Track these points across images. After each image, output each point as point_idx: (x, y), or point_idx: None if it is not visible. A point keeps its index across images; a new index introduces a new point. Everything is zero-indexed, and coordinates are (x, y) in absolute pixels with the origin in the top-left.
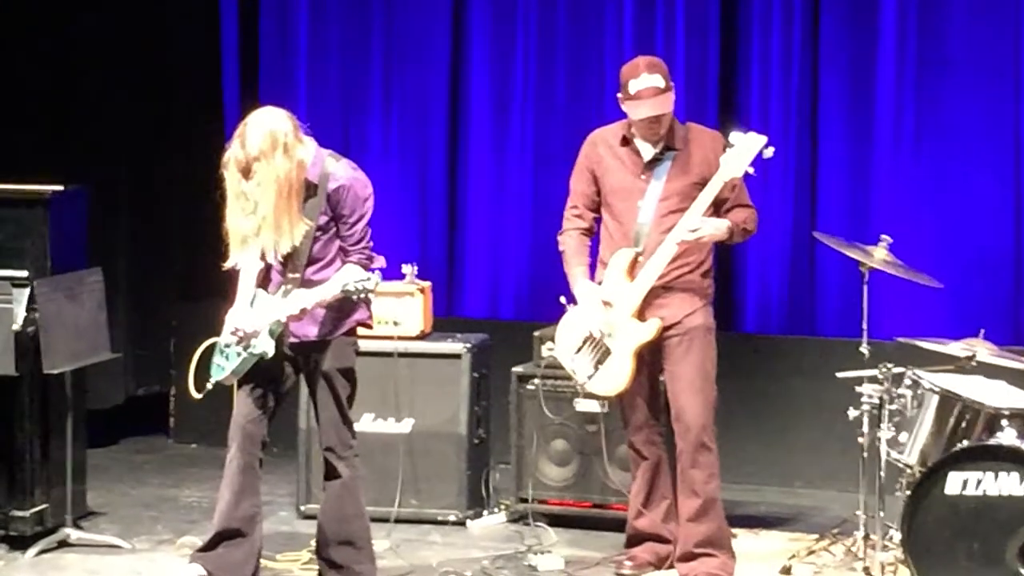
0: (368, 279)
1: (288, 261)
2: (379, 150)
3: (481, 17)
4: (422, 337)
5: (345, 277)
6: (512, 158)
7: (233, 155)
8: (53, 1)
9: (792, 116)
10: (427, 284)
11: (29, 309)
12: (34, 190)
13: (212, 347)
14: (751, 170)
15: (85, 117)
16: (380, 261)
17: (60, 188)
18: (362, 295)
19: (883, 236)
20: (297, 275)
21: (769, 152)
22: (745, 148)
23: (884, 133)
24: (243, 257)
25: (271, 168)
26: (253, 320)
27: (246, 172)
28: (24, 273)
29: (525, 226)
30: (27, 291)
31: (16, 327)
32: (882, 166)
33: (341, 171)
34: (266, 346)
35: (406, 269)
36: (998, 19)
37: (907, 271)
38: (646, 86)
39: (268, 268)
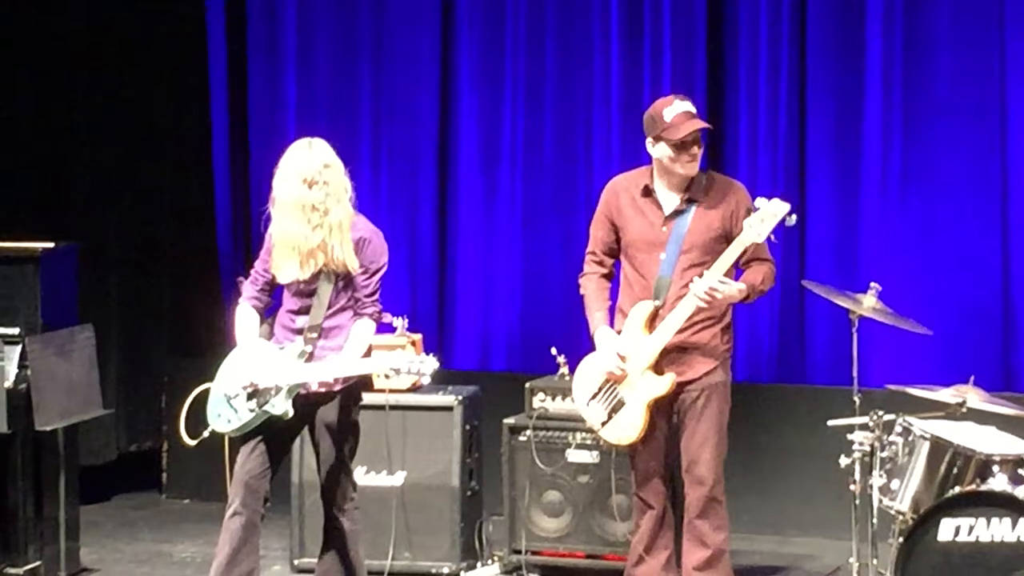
0: (423, 362)
1: (308, 304)
2: (369, 204)
3: (469, 72)
4: (413, 390)
5: (398, 361)
6: (501, 210)
7: (292, 168)
8: (44, 60)
9: (780, 165)
10: (418, 337)
11: (21, 366)
12: (25, 247)
13: (205, 392)
14: (772, 237)
15: (75, 173)
16: (386, 317)
17: (51, 245)
18: (416, 378)
19: (872, 284)
20: (318, 322)
21: (792, 220)
22: (769, 214)
23: (871, 181)
24: (290, 269)
25: (340, 177)
26: (270, 375)
27: (311, 182)
28: (16, 331)
29: (515, 278)
30: (19, 348)
31: (8, 384)
32: (870, 214)
33: (362, 223)
34: (285, 406)
35: (396, 322)
36: (983, 66)
37: (896, 318)
38: (682, 110)
39: (268, 315)
